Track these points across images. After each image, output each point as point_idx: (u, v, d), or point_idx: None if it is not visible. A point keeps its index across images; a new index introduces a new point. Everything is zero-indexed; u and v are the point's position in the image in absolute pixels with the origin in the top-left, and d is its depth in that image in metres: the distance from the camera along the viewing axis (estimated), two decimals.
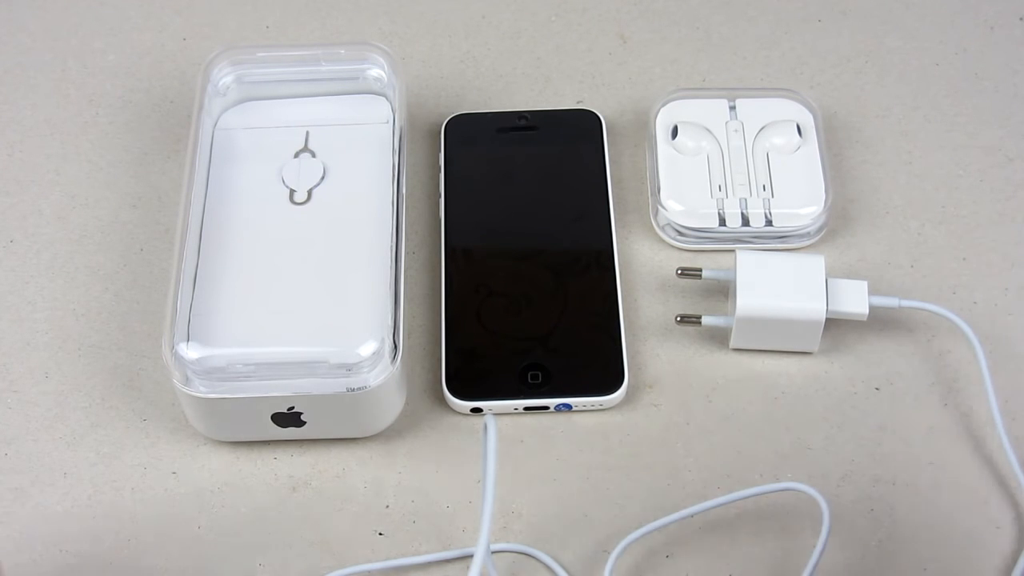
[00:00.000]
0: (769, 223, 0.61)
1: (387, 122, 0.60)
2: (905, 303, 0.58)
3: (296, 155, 0.59)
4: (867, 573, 0.52)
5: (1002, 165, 0.64)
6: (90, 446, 0.56)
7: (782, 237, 0.61)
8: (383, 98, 0.61)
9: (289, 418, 0.54)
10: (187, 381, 0.53)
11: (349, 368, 0.52)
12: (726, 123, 0.63)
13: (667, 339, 0.59)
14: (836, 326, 0.58)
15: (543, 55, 0.69)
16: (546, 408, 0.57)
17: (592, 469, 0.55)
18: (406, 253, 0.57)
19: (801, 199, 0.61)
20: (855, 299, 0.57)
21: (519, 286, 0.60)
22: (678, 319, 0.58)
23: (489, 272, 0.60)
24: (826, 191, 0.61)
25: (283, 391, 0.53)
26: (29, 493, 0.55)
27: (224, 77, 0.62)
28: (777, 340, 0.57)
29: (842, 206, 0.63)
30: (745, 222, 0.61)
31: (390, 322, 0.54)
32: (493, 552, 0.53)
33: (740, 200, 0.61)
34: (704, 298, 0.60)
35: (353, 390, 0.53)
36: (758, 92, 0.65)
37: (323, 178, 0.59)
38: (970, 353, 0.57)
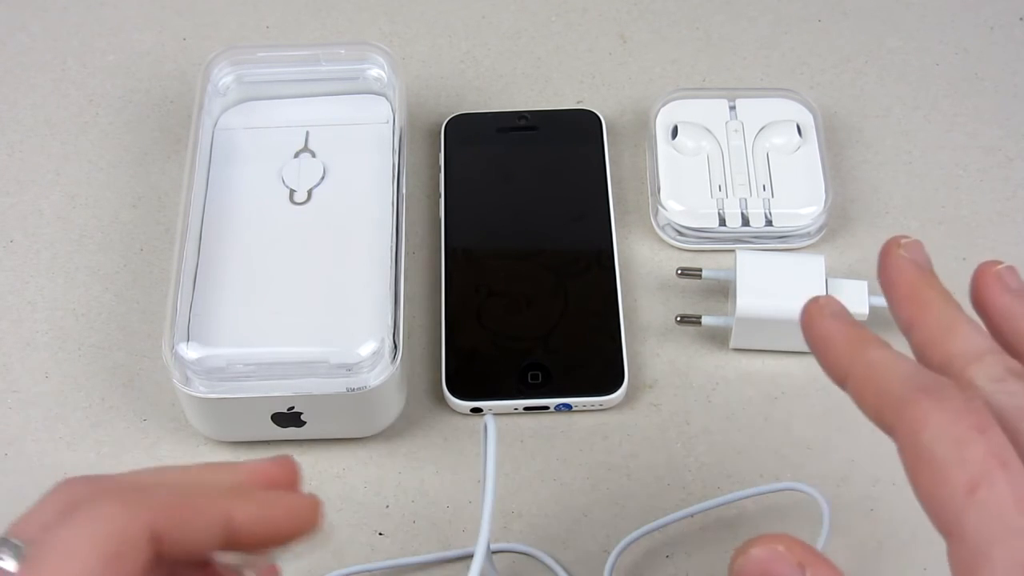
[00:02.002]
0: (769, 223, 0.61)
1: (387, 122, 0.60)
2: None
3: (296, 155, 0.59)
4: (867, 573, 0.52)
5: (1002, 165, 0.64)
6: (90, 446, 0.56)
7: (782, 237, 0.61)
8: (383, 98, 0.61)
9: (289, 418, 0.54)
10: (187, 381, 0.53)
11: (349, 368, 0.52)
12: (726, 123, 0.63)
13: (667, 339, 0.59)
14: None
15: (543, 55, 0.69)
16: (546, 408, 0.57)
17: (592, 469, 0.55)
18: (406, 253, 0.57)
19: (801, 199, 0.61)
20: (855, 299, 0.57)
21: (519, 286, 0.60)
22: (678, 319, 0.58)
23: (489, 272, 0.60)
24: (826, 191, 0.61)
25: (283, 391, 0.53)
26: (29, 493, 0.55)
27: (224, 77, 0.62)
28: (777, 340, 0.57)
29: (842, 206, 0.63)
30: (745, 222, 0.61)
31: (390, 322, 0.54)
32: (493, 552, 0.53)
33: (740, 200, 0.61)
34: (704, 298, 0.60)
35: (353, 390, 0.53)
36: (758, 92, 0.65)
37: (323, 178, 0.59)
38: None
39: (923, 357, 0.36)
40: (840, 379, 0.37)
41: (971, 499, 0.31)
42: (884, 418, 0.34)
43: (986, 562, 0.30)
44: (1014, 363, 0.34)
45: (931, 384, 0.33)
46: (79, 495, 0.35)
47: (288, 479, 0.38)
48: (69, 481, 0.36)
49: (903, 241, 0.39)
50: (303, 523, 0.36)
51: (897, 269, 0.38)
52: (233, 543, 0.35)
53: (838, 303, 0.38)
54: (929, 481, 0.32)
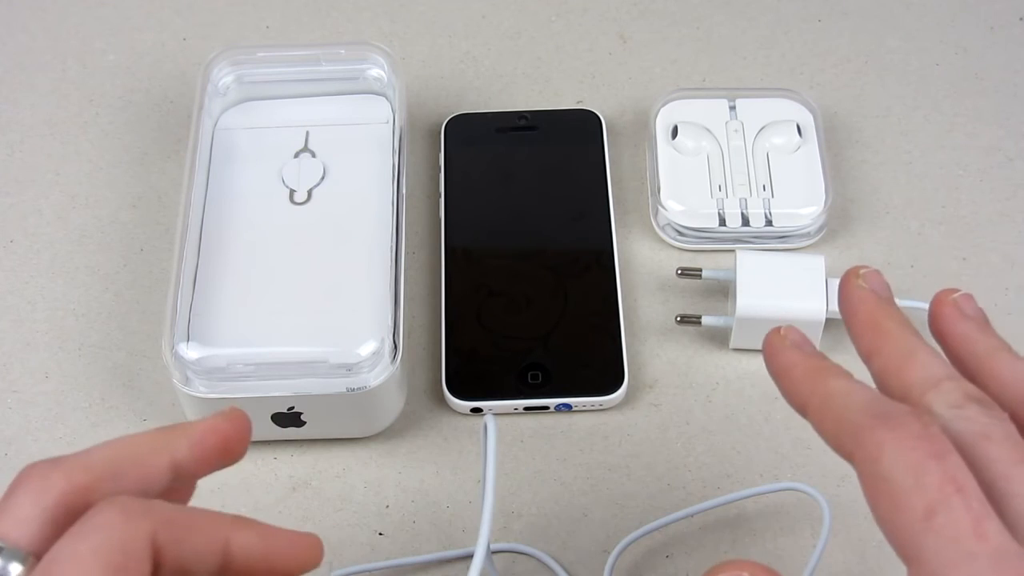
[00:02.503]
0: (769, 223, 0.61)
1: (387, 122, 0.60)
2: (905, 303, 0.57)
3: (296, 155, 0.59)
4: (867, 573, 0.52)
5: (1002, 165, 0.64)
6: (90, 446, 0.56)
7: (782, 237, 0.61)
8: (383, 98, 0.61)
9: (289, 418, 0.54)
10: (187, 381, 0.53)
11: (349, 368, 0.52)
12: (726, 123, 0.63)
13: (667, 339, 0.59)
14: (836, 326, 0.58)
15: (543, 55, 0.69)
16: (546, 408, 0.57)
17: (592, 469, 0.55)
18: (406, 253, 0.57)
19: (801, 199, 0.61)
20: None
21: (519, 286, 0.60)
22: (678, 319, 0.58)
23: (489, 272, 0.60)
24: (826, 191, 0.61)
25: (283, 391, 0.53)
26: None
27: (224, 77, 0.62)
28: None
29: (842, 206, 0.63)
30: (745, 222, 0.61)
31: (390, 322, 0.54)
32: (493, 552, 0.53)
33: (740, 200, 0.61)
34: (704, 298, 0.60)
35: (353, 390, 0.53)
36: (758, 92, 0.65)
37: (323, 178, 0.59)
38: None
39: (883, 385, 0.36)
40: (800, 408, 0.37)
41: (928, 525, 0.31)
42: (843, 446, 0.34)
43: None
44: (972, 388, 0.35)
45: (888, 411, 0.33)
46: (60, 488, 0.34)
47: (240, 433, 0.38)
48: (35, 470, 0.35)
49: (862, 271, 0.39)
50: (301, 561, 0.36)
51: (856, 299, 0.39)
52: (229, 570, 0.35)
53: (799, 333, 0.38)
54: (888, 507, 0.32)
